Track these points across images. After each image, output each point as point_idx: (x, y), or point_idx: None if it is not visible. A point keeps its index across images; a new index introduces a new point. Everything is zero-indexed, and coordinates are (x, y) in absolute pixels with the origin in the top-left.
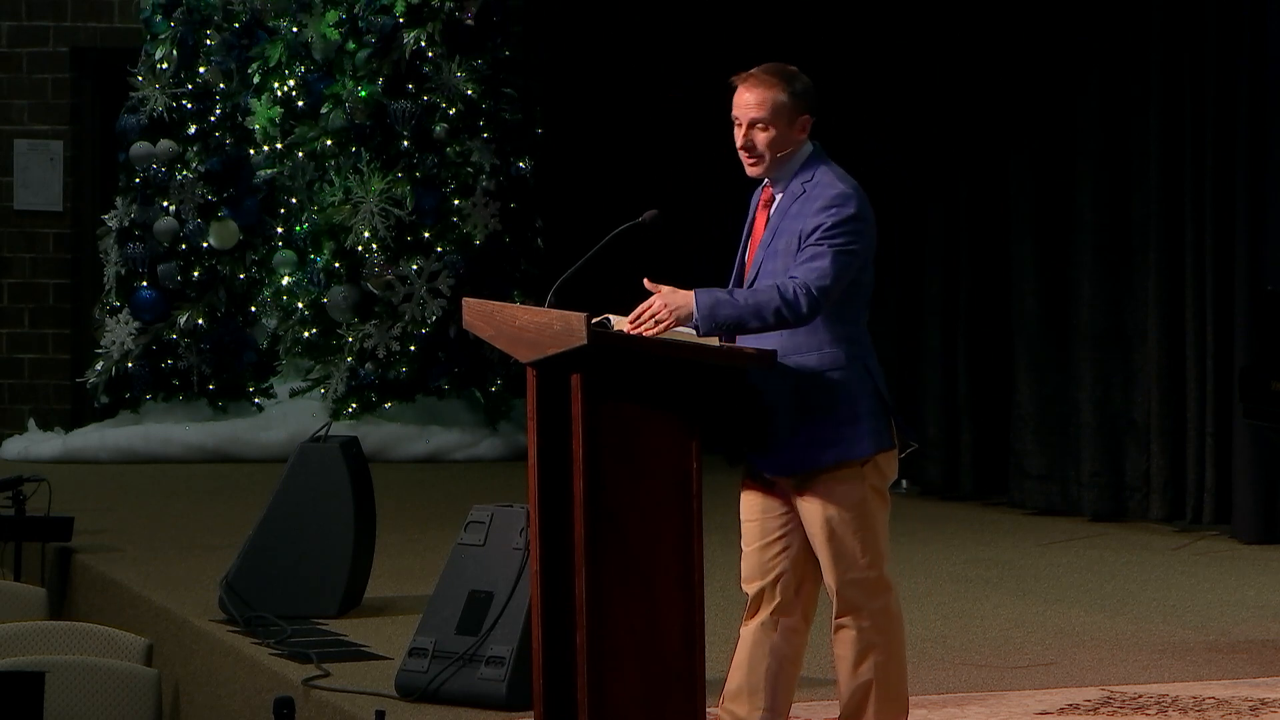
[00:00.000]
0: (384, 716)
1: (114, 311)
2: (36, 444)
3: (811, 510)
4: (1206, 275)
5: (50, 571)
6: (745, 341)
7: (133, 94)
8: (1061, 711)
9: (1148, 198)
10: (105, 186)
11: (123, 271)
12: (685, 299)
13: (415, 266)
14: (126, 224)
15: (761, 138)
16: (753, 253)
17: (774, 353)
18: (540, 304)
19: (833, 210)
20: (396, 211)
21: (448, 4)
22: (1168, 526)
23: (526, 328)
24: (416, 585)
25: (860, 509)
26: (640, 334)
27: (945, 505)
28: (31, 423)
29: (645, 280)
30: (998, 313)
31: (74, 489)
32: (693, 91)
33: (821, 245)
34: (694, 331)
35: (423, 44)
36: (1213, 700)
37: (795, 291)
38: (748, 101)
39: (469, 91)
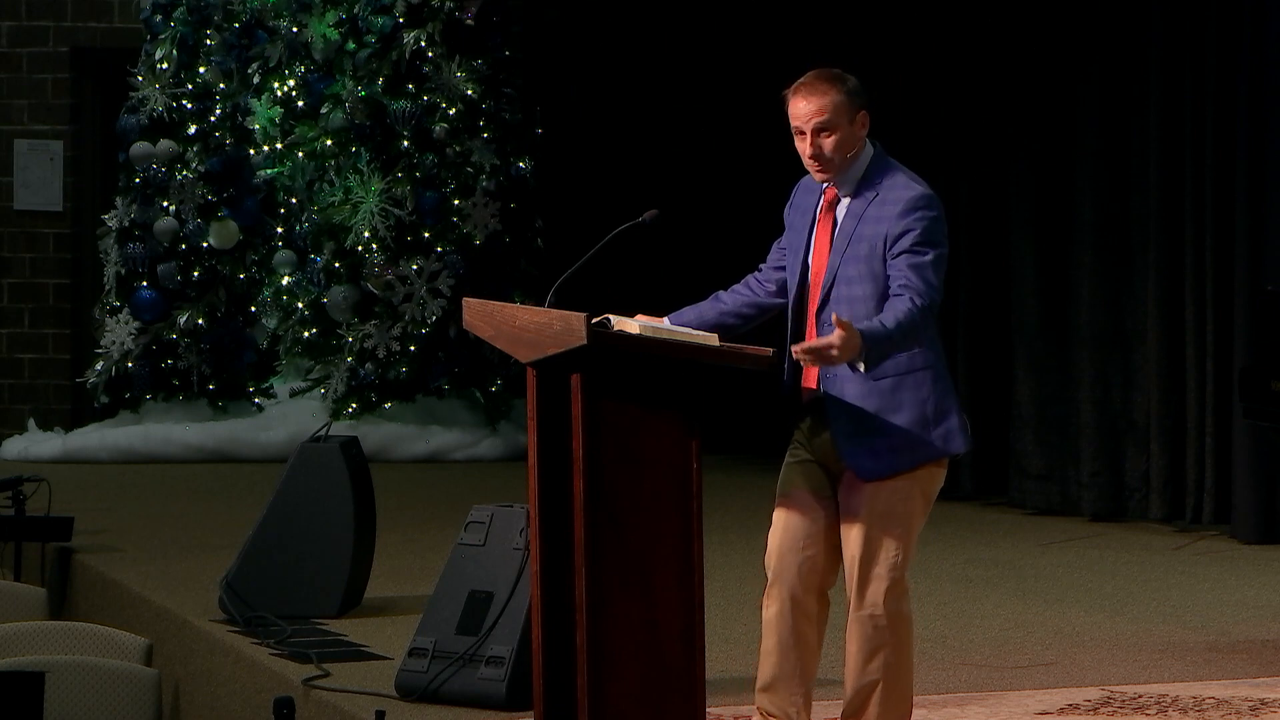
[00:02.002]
0: (384, 716)
1: (114, 311)
2: (36, 444)
3: (858, 500)
4: (1206, 275)
5: (50, 571)
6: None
7: (133, 94)
8: (1061, 711)
9: (1147, 198)
10: (105, 186)
11: (123, 271)
12: (857, 345)
13: (415, 266)
14: (126, 224)
15: (828, 142)
16: (821, 256)
17: (772, 353)
18: (540, 304)
19: (918, 214)
20: (396, 211)
21: (448, 4)
22: (1168, 526)
23: (526, 328)
24: (416, 585)
25: (905, 508)
26: (801, 360)
27: (945, 505)
28: (31, 423)
29: (835, 316)
30: (997, 313)
31: (74, 489)
32: (693, 93)
33: (924, 254)
34: (711, 335)
35: (423, 44)
36: (1213, 700)
37: (927, 309)
38: (806, 110)
39: (469, 91)
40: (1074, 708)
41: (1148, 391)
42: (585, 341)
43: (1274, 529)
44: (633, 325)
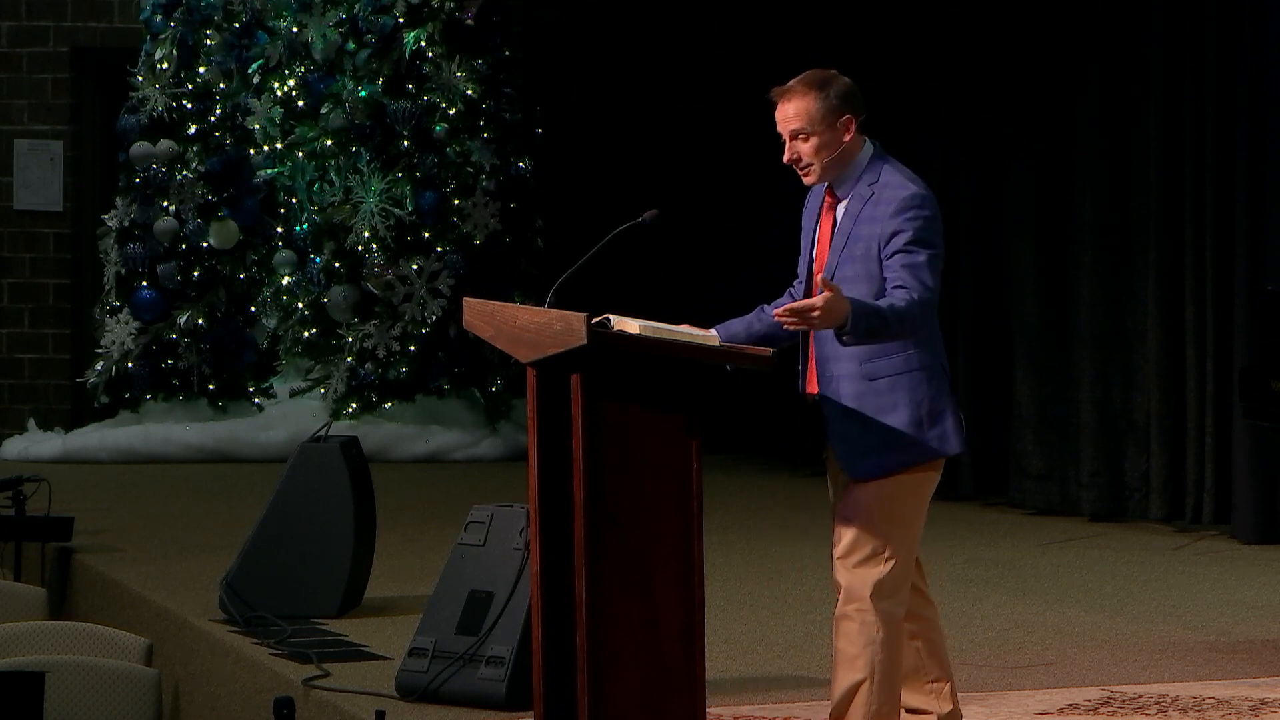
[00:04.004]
0: (384, 716)
1: (114, 311)
2: (36, 444)
3: (850, 500)
4: (1206, 275)
5: (50, 571)
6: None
7: (133, 94)
8: (1061, 711)
9: (1147, 198)
10: (105, 186)
11: (123, 271)
12: (842, 309)
13: (415, 266)
14: (126, 224)
15: (804, 148)
16: (821, 256)
17: (772, 353)
18: (540, 304)
19: (911, 214)
20: (396, 211)
21: (448, 4)
22: (1168, 526)
23: (526, 328)
24: (416, 585)
25: (896, 509)
26: (784, 323)
27: (945, 505)
28: (31, 423)
29: (819, 276)
30: (998, 313)
31: (74, 489)
32: (693, 94)
33: (916, 254)
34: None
35: (423, 44)
36: (1213, 700)
37: (923, 305)
38: (785, 115)
39: (469, 91)
40: (1074, 708)
41: (1148, 391)
42: (585, 341)
43: (1274, 529)
44: (633, 325)
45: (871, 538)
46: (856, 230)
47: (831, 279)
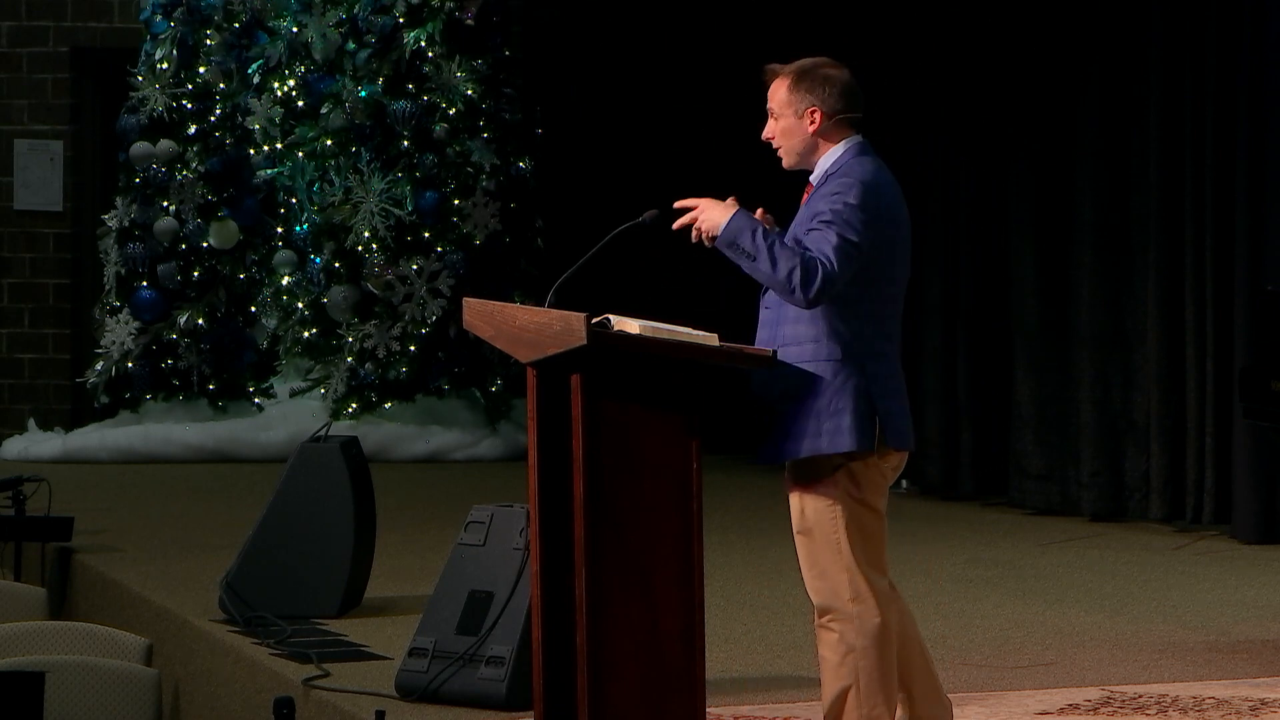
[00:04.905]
0: (384, 716)
1: (114, 311)
2: (36, 444)
3: (791, 505)
4: (1206, 275)
5: (50, 571)
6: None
7: (133, 94)
8: (1061, 711)
9: (1147, 198)
10: (105, 186)
11: (123, 271)
12: (721, 216)
13: (415, 266)
14: (126, 224)
15: (773, 126)
16: None
17: (774, 353)
18: (540, 304)
19: (833, 197)
20: (396, 211)
21: (448, 4)
22: (1168, 526)
23: (526, 328)
24: (416, 585)
25: (830, 511)
26: (675, 225)
27: (945, 505)
28: (31, 423)
29: (678, 203)
30: (998, 313)
31: (74, 489)
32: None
33: (822, 231)
34: (711, 335)
35: (423, 44)
36: (1213, 700)
37: (814, 264)
38: (770, 93)
39: (469, 91)
40: (1074, 708)
41: (1148, 391)
42: (585, 341)
43: (1274, 529)
44: (633, 325)
45: (818, 548)
46: (801, 215)
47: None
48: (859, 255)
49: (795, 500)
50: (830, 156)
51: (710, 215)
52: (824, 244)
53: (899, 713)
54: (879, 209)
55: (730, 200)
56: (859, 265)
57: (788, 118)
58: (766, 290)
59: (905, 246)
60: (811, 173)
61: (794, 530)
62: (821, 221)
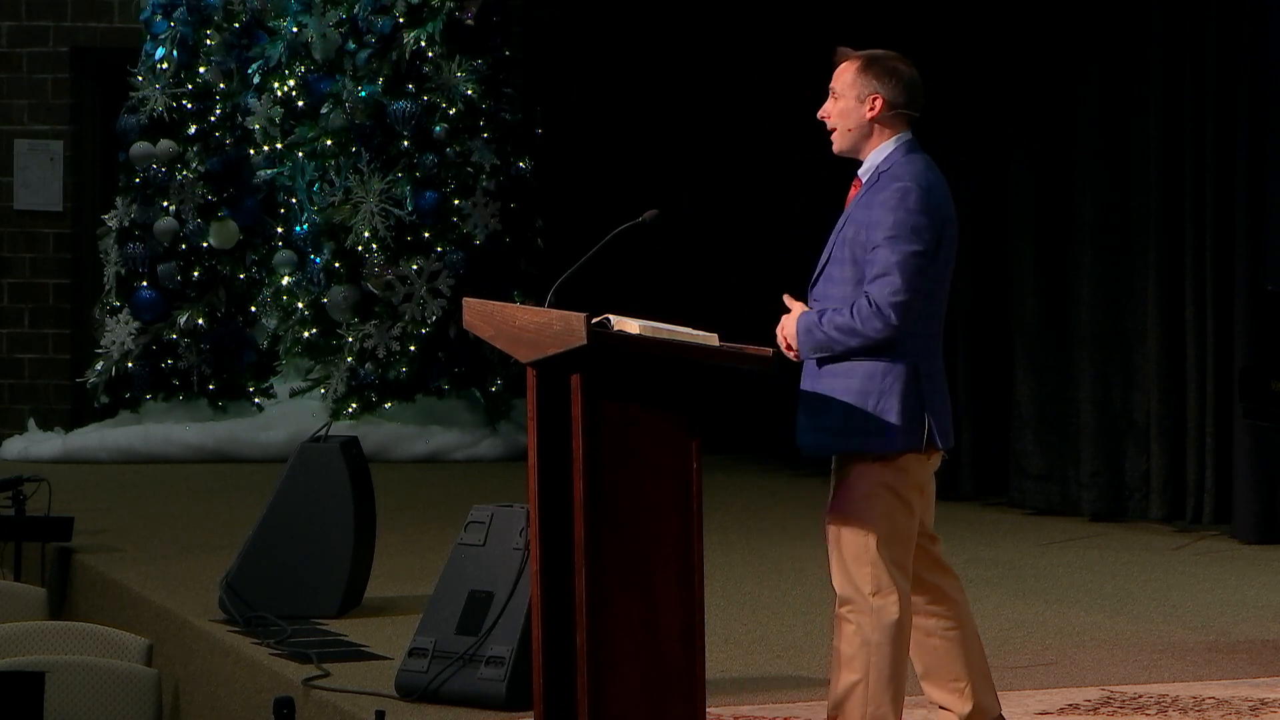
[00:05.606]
0: (384, 716)
1: (114, 311)
2: (36, 444)
3: (831, 493)
4: (1206, 275)
5: (50, 571)
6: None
7: (133, 94)
8: (1061, 711)
9: (1147, 198)
10: (105, 186)
11: (123, 271)
12: (793, 326)
13: (415, 266)
14: (126, 224)
15: (831, 105)
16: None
17: (773, 353)
18: (540, 304)
19: (890, 206)
20: (396, 211)
21: (448, 4)
22: (1168, 526)
23: (526, 328)
24: (416, 585)
25: (866, 503)
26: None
27: (945, 505)
28: (31, 423)
29: (785, 296)
30: (998, 313)
31: (74, 489)
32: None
33: (887, 253)
34: (711, 335)
35: (423, 44)
36: (1213, 700)
37: (866, 313)
38: (836, 74)
39: (469, 91)
40: (1074, 708)
41: (1148, 391)
42: (585, 341)
43: (1274, 529)
44: (633, 325)
45: (848, 538)
46: (854, 214)
47: (828, 258)
48: (927, 263)
49: (832, 490)
50: (882, 152)
51: (789, 330)
52: (889, 271)
53: (960, 704)
54: (935, 209)
55: (790, 310)
56: (928, 269)
57: (849, 99)
58: (815, 283)
59: (953, 245)
60: (859, 164)
61: (827, 518)
62: (886, 238)
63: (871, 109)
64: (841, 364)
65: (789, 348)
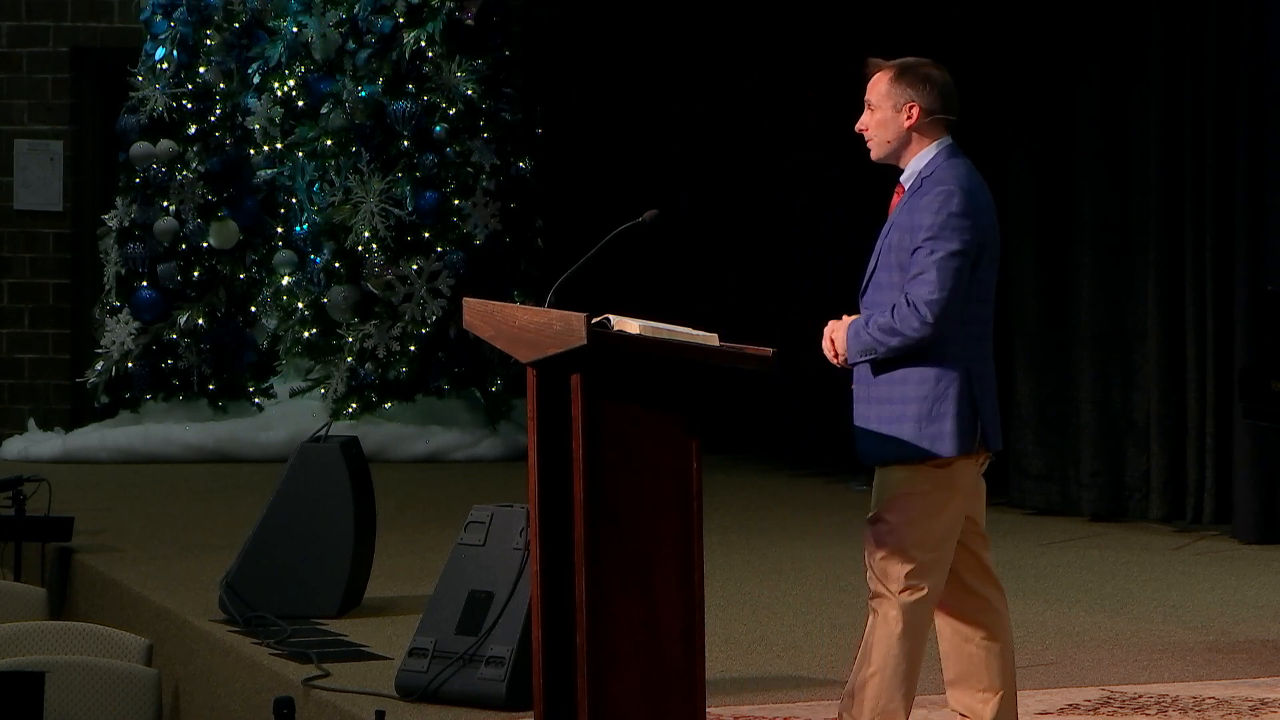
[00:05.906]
0: (384, 716)
1: (114, 311)
2: (36, 444)
3: (875, 486)
4: (1206, 275)
5: (50, 571)
6: None
7: (133, 94)
8: (1061, 711)
9: (1147, 198)
10: (105, 186)
11: (123, 271)
12: (842, 335)
13: (415, 266)
14: (126, 224)
15: (868, 118)
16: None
17: (772, 353)
18: (540, 304)
19: (933, 209)
20: (396, 211)
21: (448, 4)
22: (1168, 526)
23: (526, 328)
24: (416, 585)
25: (909, 502)
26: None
27: None
28: (31, 423)
29: (845, 318)
30: (998, 313)
31: (74, 489)
32: (694, 91)
33: (926, 254)
34: (711, 335)
35: (423, 44)
36: (1213, 700)
37: (904, 313)
38: (869, 85)
39: (469, 91)
40: (1074, 708)
41: (1148, 391)
42: (585, 341)
43: (1274, 529)
44: (633, 325)
45: (886, 533)
46: (898, 219)
47: (876, 264)
48: (966, 264)
49: (880, 483)
50: (923, 158)
51: (838, 335)
52: (927, 271)
53: (983, 713)
54: (977, 210)
55: (836, 323)
56: (967, 270)
57: (885, 110)
58: (864, 290)
59: (996, 248)
60: (901, 172)
61: (870, 512)
62: (926, 239)
63: (909, 117)
64: (896, 371)
65: (835, 355)
